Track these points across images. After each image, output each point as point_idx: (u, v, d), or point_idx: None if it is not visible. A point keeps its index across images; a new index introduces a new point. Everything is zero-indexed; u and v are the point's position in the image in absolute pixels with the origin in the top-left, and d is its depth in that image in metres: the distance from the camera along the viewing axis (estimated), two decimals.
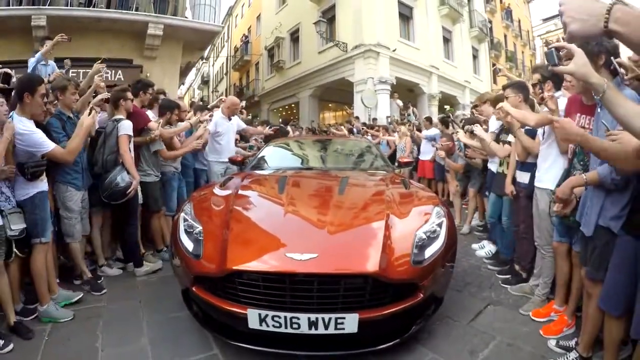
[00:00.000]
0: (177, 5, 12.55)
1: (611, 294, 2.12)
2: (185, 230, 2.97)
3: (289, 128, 9.37)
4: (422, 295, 2.56)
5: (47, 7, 10.47)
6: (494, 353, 2.70)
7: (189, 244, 2.84)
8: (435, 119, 9.12)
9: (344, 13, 17.89)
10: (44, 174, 3.24)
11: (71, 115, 3.75)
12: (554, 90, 3.35)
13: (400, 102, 16.11)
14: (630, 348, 2.37)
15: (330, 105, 23.57)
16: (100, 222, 4.31)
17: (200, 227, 2.92)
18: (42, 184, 3.23)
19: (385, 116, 14.50)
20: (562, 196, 2.58)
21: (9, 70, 2.74)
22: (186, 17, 12.98)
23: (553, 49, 1.52)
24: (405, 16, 19.22)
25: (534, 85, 3.63)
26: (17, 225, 2.97)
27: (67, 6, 10.82)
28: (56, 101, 3.79)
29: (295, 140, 6.57)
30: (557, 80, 3.34)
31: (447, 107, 11.31)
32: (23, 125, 3.05)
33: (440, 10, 20.94)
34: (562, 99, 3.17)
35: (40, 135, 3.14)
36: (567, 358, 2.53)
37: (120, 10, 11.16)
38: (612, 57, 2.22)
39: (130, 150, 4.08)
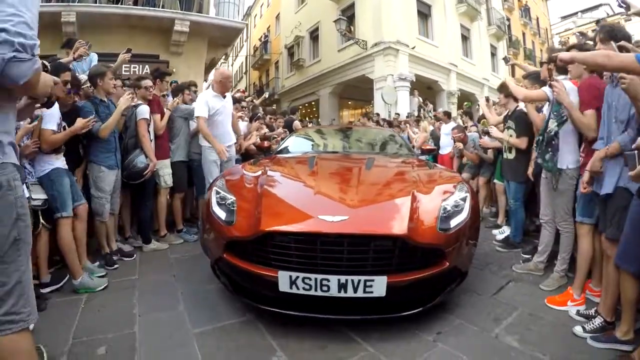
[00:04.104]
0: (202, 2, 12.80)
1: (626, 250, 2.24)
2: (218, 202, 3.10)
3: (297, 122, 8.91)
4: (447, 264, 2.66)
5: (76, 4, 10.75)
6: (516, 321, 2.85)
7: (221, 214, 2.97)
8: (454, 114, 9.22)
9: (364, 11, 18.01)
10: (62, 152, 3.48)
11: (104, 99, 3.99)
12: (556, 73, 3.51)
13: (420, 99, 16.19)
14: None
15: (349, 102, 23.68)
16: (129, 201, 4.65)
17: (233, 197, 3.06)
18: (58, 162, 3.44)
19: (407, 112, 14.61)
20: (594, 169, 2.68)
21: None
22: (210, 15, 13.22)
23: (636, 151, 1.44)
24: (424, 14, 19.27)
25: (541, 64, 3.80)
26: (38, 195, 3.23)
27: (96, 3, 11.13)
28: (93, 88, 4.02)
29: (318, 130, 6.64)
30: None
31: (466, 103, 11.39)
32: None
33: (458, 8, 20.94)
34: (567, 82, 3.27)
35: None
36: (593, 324, 2.62)
37: (147, 8, 11.44)
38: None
39: (149, 133, 4.33)
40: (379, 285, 2.43)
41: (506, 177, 4.69)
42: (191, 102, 5.23)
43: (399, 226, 2.58)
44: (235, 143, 5.30)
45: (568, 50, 3.32)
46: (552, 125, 3.32)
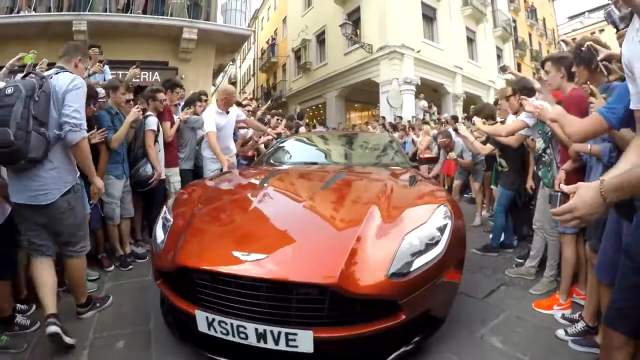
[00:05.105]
0: (210, 10, 13.00)
1: (603, 263, 2.32)
2: (163, 223, 2.82)
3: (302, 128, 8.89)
4: (403, 316, 2.13)
5: (87, 13, 10.98)
6: (503, 322, 2.99)
7: (159, 237, 2.71)
8: (460, 117, 9.38)
9: (369, 15, 18.20)
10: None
11: (118, 111, 4.28)
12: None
13: (425, 102, 16.33)
14: None
15: (356, 105, 23.82)
16: (141, 206, 4.87)
17: (172, 220, 2.77)
18: None
19: (411, 116, 14.78)
20: (573, 155, 2.87)
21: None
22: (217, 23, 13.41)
23: (559, 194, 1.42)
24: (429, 17, 19.42)
25: (507, 97, 4.02)
26: None
27: (106, 12, 11.35)
28: (107, 98, 4.33)
29: (309, 137, 6.23)
30: (527, 92, 3.75)
31: (472, 107, 11.50)
32: None
33: (463, 10, 21.07)
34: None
35: None
36: (575, 327, 2.75)
37: (156, 16, 11.64)
38: (597, 59, 2.49)
39: (157, 143, 4.52)
40: (304, 341, 2.01)
41: (499, 182, 4.83)
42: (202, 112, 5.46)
43: (328, 271, 2.06)
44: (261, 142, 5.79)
45: (543, 63, 3.45)
46: (539, 144, 3.50)
